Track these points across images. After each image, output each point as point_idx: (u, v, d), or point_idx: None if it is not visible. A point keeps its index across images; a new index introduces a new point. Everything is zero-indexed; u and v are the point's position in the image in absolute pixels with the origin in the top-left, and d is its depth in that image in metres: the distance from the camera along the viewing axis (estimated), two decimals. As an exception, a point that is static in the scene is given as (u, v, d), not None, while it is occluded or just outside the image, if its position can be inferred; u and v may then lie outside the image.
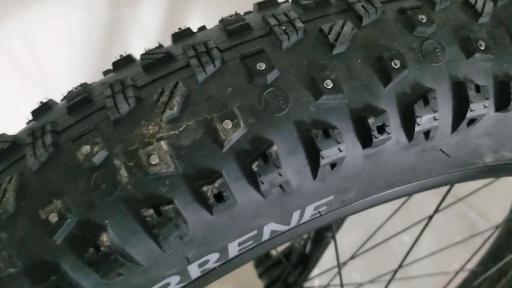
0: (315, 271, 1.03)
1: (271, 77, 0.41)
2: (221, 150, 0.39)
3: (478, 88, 0.44)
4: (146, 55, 0.45)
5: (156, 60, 0.44)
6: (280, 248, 0.98)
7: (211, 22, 0.51)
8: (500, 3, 0.49)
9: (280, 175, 0.39)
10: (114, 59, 0.48)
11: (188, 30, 0.48)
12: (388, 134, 0.41)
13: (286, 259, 0.94)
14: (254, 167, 0.39)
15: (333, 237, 0.67)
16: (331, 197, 0.44)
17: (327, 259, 1.02)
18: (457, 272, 1.02)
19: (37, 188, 0.40)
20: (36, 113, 0.46)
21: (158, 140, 0.39)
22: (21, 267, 0.38)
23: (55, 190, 0.39)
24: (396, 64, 0.42)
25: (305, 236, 0.92)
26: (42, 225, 0.38)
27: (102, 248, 0.37)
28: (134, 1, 0.97)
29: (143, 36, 0.97)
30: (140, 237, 0.38)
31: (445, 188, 0.61)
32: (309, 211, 0.45)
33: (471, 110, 0.44)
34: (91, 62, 0.95)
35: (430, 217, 0.73)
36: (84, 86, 0.45)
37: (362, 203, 0.49)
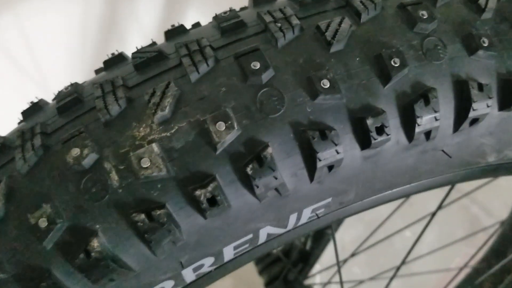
0: (316, 267, 1.02)
1: (266, 76, 0.39)
2: (215, 152, 0.38)
3: (481, 87, 0.42)
4: (138, 53, 0.43)
5: (148, 59, 0.42)
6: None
7: (210, 19, 0.50)
8: (504, -2, 0.47)
9: (276, 178, 0.38)
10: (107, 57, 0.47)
11: (182, 27, 0.47)
12: (388, 135, 0.40)
13: (286, 256, 0.93)
14: (249, 170, 0.38)
15: (332, 236, 0.66)
16: (329, 200, 0.43)
17: (328, 254, 1.01)
18: (461, 269, 1.01)
19: (26, 192, 0.39)
20: (27, 114, 0.45)
21: (150, 142, 0.38)
22: (11, 272, 0.38)
23: (44, 194, 0.38)
24: (395, 62, 0.41)
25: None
26: (32, 230, 0.37)
27: (93, 254, 0.36)
28: (132, -4, 0.96)
29: (141, 33, 0.96)
30: (132, 242, 0.38)
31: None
32: (307, 213, 0.43)
33: (473, 110, 0.42)
34: (88, 60, 0.94)
35: (433, 214, 0.72)
36: (74, 86, 0.44)
37: (361, 204, 0.48)
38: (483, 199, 1.64)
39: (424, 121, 0.41)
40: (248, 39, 0.43)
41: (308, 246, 0.91)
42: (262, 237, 0.44)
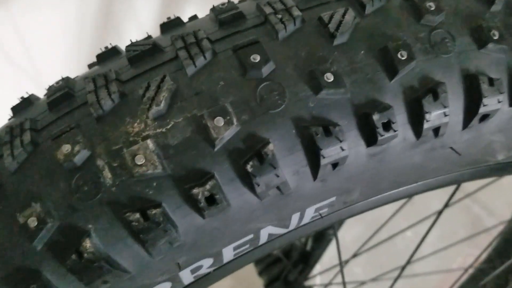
0: (316, 268, 1.00)
1: (266, 70, 0.38)
2: (213, 149, 0.36)
3: (491, 81, 0.41)
4: (132, 46, 0.42)
5: (142, 52, 0.41)
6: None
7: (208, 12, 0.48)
8: (514, -11, 0.45)
9: (277, 176, 0.36)
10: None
11: (178, 19, 0.45)
12: (395, 131, 0.38)
13: (286, 256, 0.91)
14: (249, 167, 0.36)
15: (335, 236, 0.64)
16: (333, 199, 0.41)
17: (328, 255, 0.99)
18: (466, 270, 0.99)
19: (15, 190, 0.37)
20: (17, 110, 0.44)
21: (144, 138, 0.36)
22: (0, 274, 0.36)
23: (34, 192, 0.37)
24: (402, 55, 0.39)
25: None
26: (21, 230, 0.36)
27: (85, 255, 0.35)
28: (129, -10, 0.94)
29: (138, 28, 0.95)
30: (126, 242, 0.36)
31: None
32: (310, 213, 0.42)
33: (484, 105, 0.40)
34: (84, 55, 0.92)
35: (439, 212, 0.71)
36: (65, 80, 0.42)
37: (366, 203, 0.46)
38: (485, 199, 1.62)
39: (433, 117, 0.39)
40: (247, 31, 0.41)
41: (308, 247, 0.89)
42: (263, 238, 0.42)
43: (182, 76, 0.38)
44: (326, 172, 0.38)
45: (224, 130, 0.36)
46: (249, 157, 0.36)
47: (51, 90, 0.41)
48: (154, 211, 0.35)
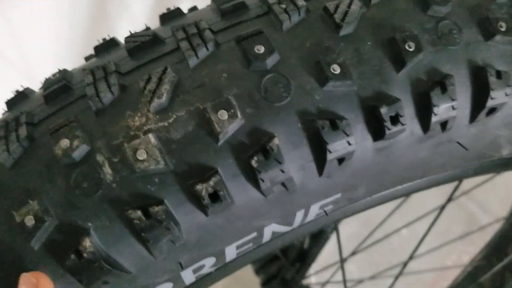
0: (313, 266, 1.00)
1: (270, 61, 0.37)
2: (216, 143, 0.35)
3: (499, 74, 0.40)
4: (131, 38, 0.40)
5: (142, 43, 0.40)
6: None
7: (204, 5, 0.47)
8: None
9: (283, 172, 0.35)
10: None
11: (178, 10, 0.44)
12: (403, 125, 0.37)
13: (283, 254, 0.90)
14: (254, 162, 0.35)
15: (337, 233, 0.63)
16: (338, 195, 0.40)
17: (322, 253, 0.98)
18: (467, 266, 0.99)
19: (11, 187, 0.36)
20: (11, 103, 0.42)
21: (146, 132, 0.35)
22: (-5, 275, 0.35)
23: (31, 189, 0.35)
24: (410, 46, 0.38)
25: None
26: (18, 229, 0.34)
27: (84, 254, 0.34)
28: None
29: (132, 20, 0.93)
30: (127, 241, 0.35)
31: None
32: (314, 210, 0.41)
33: (491, 98, 0.40)
34: (76, 48, 0.90)
35: (442, 208, 0.70)
36: (63, 73, 0.41)
37: (369, 200, 0.45)
38: (480, 195, 1.62)
39: (441, 110, 0.38)
40: (250, 21, 0.40)
41: (306, 245, 0.88)
42: (267, 236, 0.41)
43: (184, 68, 0.37)
44: (332, 167, 0.37)
45: (228, 124, 0.35)
46: (254, 152, 0.35)
47: (48, 82, 0.40)
48: (156, 209, 0.34)
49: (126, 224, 0.34)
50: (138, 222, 0.34)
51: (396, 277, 0.80)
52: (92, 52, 0.44)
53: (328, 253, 0.97)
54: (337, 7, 0.39)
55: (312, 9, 0.39)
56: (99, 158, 0.35)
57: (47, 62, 0.89)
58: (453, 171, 0.48)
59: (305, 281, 0.94)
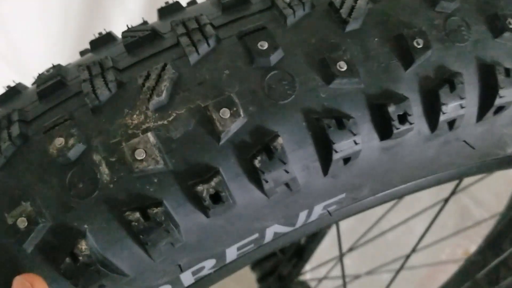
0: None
1: (274, 58, 0.36)
2: (218, 143, 0.34)
3: (508, 72, 0.39)
4: (129, 32, 0.39)
5: (141, 38, 0.38)
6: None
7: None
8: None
9: (287, 172, 0.34)
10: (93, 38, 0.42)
11: (177, 4, 0.42)
12: (411, 124, 0.36)
13: (280, 250, 0.89)
14: (257, 163, 0.34)
15: (337, 230, 0.62)
16: (343, 195, 0.39)
17: (318, 249, 0.98)
18: (467, 260, 0.99)
19: (3, 187, 0.35)
20: (2, 100, 0.41)
21: (144, 131, 0.34)
22: (-13, 279, 0.34)
23: (23, 190, 0.34)
24: (418, 43, 0.37)
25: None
26: (10, 232, 0.33)
27: (80, 258, 0.33)
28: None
29: (126, 12, 0.91)
30: (125, 244, 0.34)
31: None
32: (318, 210, 0.40)
33: (500, 97, 0.39)
34: (69, 41, 0.88)
35: (446, 200, 0.70)
36: (57, 68, 0.39)
37: (373, 199, 0.44)
38: (473, 189, 1.62)
39: (449, 109, 0.37)
40: (252, 16, 0.39)
41: (302, 241, 0.87)
42: (269, 237, 0.40)
43: (184, 64, 0.36)
44: (338, 167, 0.36)
45: (230, 123, 0.34)
46: (257, 151, 0.34)
47: (41, 78, 0.38)
48: (155, 210, 0.33)
49: (123, 226, 0.33)
50: (136, 224, 0.33)
51: (398, 271, 0.80)
52: (87, 46, 0.43)
53: (321, 249, 0.96)
54: (343, 2, 0.38)
55: (317, 4, 0.38)
56: (96, 157, 0.34)
57: (40, 56, 0.87)
58: (457, 170, 0.47)
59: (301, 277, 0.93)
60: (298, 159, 0.35)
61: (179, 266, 0.37)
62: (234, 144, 0.34)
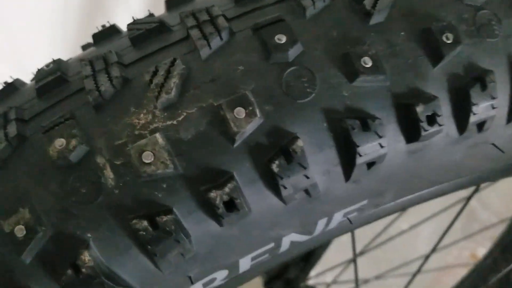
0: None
1: (293, 53, 0.33)
2: (232, 145, 0.32)
3: (541, 69, 0.36)
4: (135, 25, 0.37)
5: (147, 31, 0.36)
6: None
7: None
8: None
9: (307, 178, 0.32)
10: (95, 31, 0.40)
11: (186, -6, 0.40)
12: (440, 125, 0.34)
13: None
14: (274, 167, 0.31)
15: (351, 233, 0.60)
16: (365, 202, 0.37)
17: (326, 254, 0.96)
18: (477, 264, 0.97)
19: None
20: (-1, 96, 0.38)
21: (152, 132, 0.32)
22: (-18, 292, 0.32)
23: (21, 195, 0.32)
24: (448, 38, 0.34)
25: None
26: (7, 240, 0.31)
27: (83, 270, 0.31)
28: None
29: (130, 4, 0.88)
30: (131, 254, 0.32)
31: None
32: (338, 218, 0.37)
33: (533, 96, 0.36)
34: (69, 34, 0.86)
35: (468, 199, 0.68)
36: (57, 63, 0.37)
37: (394, 205, 0.41)
38: (480, 192, 1.60)
39: (480, 109, 0.35)
40: (268, 7, 0.37)
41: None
42: (285, 246, 0.37)
43: (195, 59, 0.34)
44: (361, 172, 0.34)
45: (246, 123, 0.31)
46: (274, 155, 0.32)
47: (41, 74, 0.36)
48: (164, 218, 0.31)
49: (130, 235, 0.31)
50: (143, 233, 0.31)
51: (414, 274, 0.78)
52: (89, 40, 0.40)
53: (332, 252, 0.94)
54: (367, -8, 0.35)
55: (338, -6, 0.36)
56: (99, 160, 0.32)
57: (39, 50, 0.84)
58: (480, 174, 0.44)
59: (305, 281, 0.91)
60: (319, 163, 0.33)
61: (190, 278, 0.34)
62: (250, 147, 0.32)
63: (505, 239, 1.00)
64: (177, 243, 0.31)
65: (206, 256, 0.33)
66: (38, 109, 0.35)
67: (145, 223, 0.30)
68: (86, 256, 0.31)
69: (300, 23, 0.35)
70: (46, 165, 0.32)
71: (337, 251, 0.94)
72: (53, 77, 0.35)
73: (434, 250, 0.78)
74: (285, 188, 0.32)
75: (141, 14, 0.42)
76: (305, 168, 0.32)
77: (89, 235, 0.31)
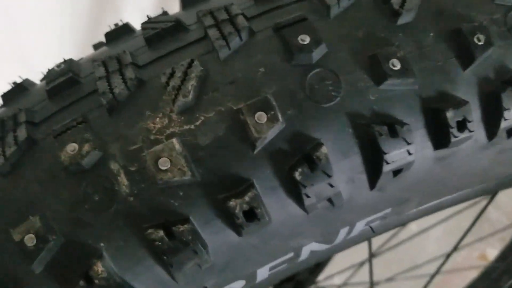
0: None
1: (317, 54, 0.32)
2: (252, 151, 0.31)
3: None
4: (150, 24, 0.36)
5: (163, 30, 0.35)
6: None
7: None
8: None
9: (331, 186, 0.30)
10: (107, 29, 0.39)
11: (204, -8, 0.38)
12: (470, 131, 0.32)
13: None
14: (297, 175, 0.30)
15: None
16: (388, 210, 0.35)
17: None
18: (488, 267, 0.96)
19: (7, 199, 0.32)
20: (8, 97, 0.38)
21: (169, 137, 0.31)
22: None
23: (31, 202, 0.31)
24: (480, 39, 0.33)
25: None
26: (17, 250, 0.30)
27: (96, 281, 0.30)
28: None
29: (137, 1, 0.87)
30: (146, 265, 0.31)
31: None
32: (360, 226, 0.36)
33: None
34: (79, 33, 0.85)
35: (492, 198, 0.67)
36: (69, 63, 0.36)
37: (416, 212, 0.40)
38: (490, 191, 1.59)
39: (512, 114, 0.33)
40: (290, 6, 0.35)
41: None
42: (304, 255, 0.36)
43: (214, 61, 0.33)
44: (387, 180, 0.32)
45: (267, 128, 0.30)
46: (297, 162, 0.31)
47: (51, 74, 0.35)
48: (181, 228, 0.30)
49: (145, 245, 0.30)
50: (159, 243, 0.30)
51: (433, 275, 0.76)
52: (101, 39, 0.39)
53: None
54: (394, -9, 0.33)
55: (364, -8, 0.34)
56: (113, 166, 0.31)
57: (47, 49, 0.83)
58: (506, 179, 0.43)
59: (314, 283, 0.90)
60: (343, 171, 0.31)
61: (205, 288, 0.33)
62: (271, 153, 0.31)
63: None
64: (194, 254, 0.30)
65: (223, 267, 0.32)
66: (49, 111, 0.34)
67: (161, 232, 0.29)
68: (99, 267, 0.29)
69: (324, 22, 0.33)
70: (57, 171, 0.31)
71: (344, 253, 0.93)
72: (65, 78, 0.34)
73: (456, 248, 0.76)
74: (308, 197, 0.30)
75: (150, 12, 0.41)
76: (329, 176, 0.30)
77: (102, 244, 0.30)
